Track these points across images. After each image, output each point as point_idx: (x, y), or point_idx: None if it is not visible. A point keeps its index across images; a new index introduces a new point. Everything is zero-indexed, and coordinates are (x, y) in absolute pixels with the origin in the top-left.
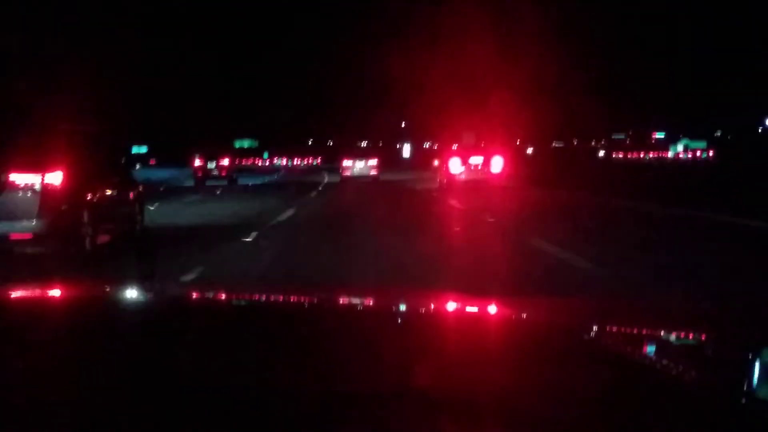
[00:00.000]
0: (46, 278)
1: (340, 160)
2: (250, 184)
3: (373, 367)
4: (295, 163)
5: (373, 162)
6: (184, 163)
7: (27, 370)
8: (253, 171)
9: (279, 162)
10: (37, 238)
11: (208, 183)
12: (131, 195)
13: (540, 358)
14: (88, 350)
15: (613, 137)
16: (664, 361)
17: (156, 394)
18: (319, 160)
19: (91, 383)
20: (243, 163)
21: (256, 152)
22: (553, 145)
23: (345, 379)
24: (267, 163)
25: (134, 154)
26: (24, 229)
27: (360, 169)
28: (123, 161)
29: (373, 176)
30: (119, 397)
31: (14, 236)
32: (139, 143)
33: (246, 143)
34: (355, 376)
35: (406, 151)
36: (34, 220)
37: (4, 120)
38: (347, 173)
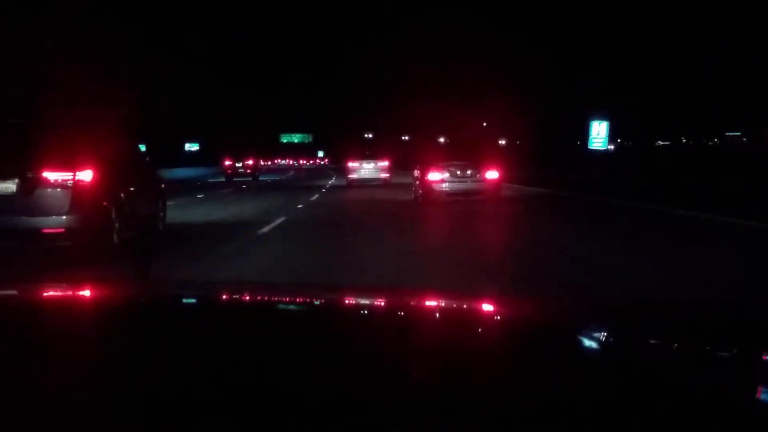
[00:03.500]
0: (75, 271)
1: (346, 162)
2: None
3: (368, 366)
4: (300, 163)
5: (384, 164)
6: (211, 162)
7: (15, 370)
8: (270, 169)
9: (285, 162)
10: (69, 232)
11: (236, 179)
12: (155, 192)
13: (535, 357)
14: (83, 350)
15: (726, 134)
16: (658, 362)
17: (147, 395)
18: (326, 161)
19: (83, 384)
20: (263, 163)
21: (308, 149)
22: (658, 143)
23: (338, 379)
24: (310, 162)
25: (187, 151)
26: (56, 223)
27: (368, 171)
28: (147, 159)
29: (384, 179)
30: (114, 398)
31: (47, 230)
32: (191, 140)
33: (296, 138)
34: (348, 375)
35: None
36: (66, 216)
37: (38, 119)
38: (353, 176)
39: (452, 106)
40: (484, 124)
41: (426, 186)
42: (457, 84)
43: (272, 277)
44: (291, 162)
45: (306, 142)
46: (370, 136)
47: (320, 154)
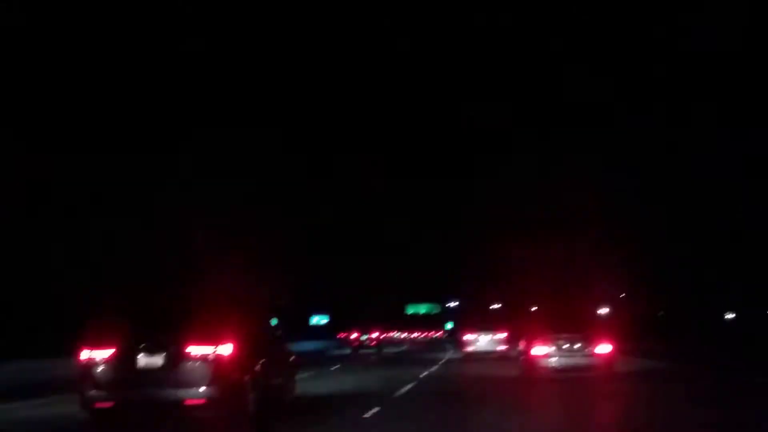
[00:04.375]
0: None
1: (462, 333)
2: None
3: None
4: (413, 336)
5: (501, 336)
6: (332, 335)
7: None
8: (392, 342)
9: (399, 335)
10: (209, 403)
11: (361, 351)
12: (286, 365)
13: None
14: None
15: None
16: None
17: None
18: (440, 333)
19: None
20: (386, 336)
21: (434, 320)
22: None
23: None
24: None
25: (313, 326)
26: (198, 395)
27: (484, 343)
28: (279, 333)
29: (501, 352)
30: None
31: (189, 402)
32: (320, 313)
33: (423, 308)
34: None
35: None
36: (207, 387)
37: (182, 297)
38: (469, 348)
39: (576, 272)
40: (622, 296)
41: (531, 361)
42: (583, 246)
43: None
44: (404, 335)
45: (432, 313)
46: (454, 304)
47: (449, 326)
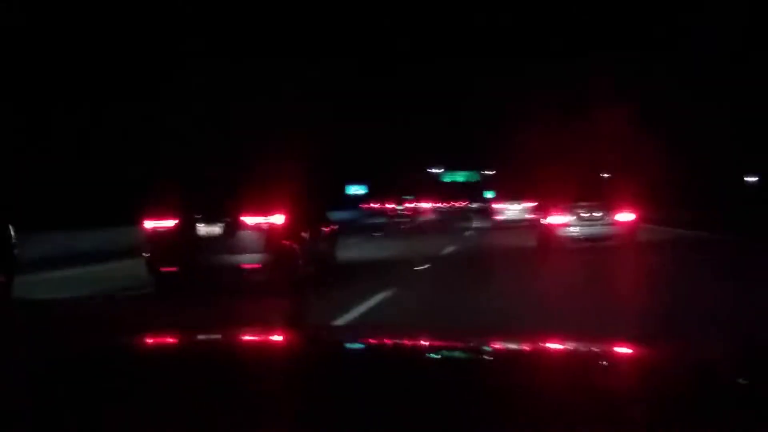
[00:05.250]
0: (265, 300)
1: (491, 203)
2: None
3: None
4: (449, 205)
5: (530, 205)
6: (356, 206)
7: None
8: (427, 211)
9: (435, 205)
10: (263, 268)
11: (396, 220)
12: (328, 233)
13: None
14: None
15: None
16: None
17: None
18: (467, 202)
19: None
20: (419, 205)
21: (473, 189)
22: None
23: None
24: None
25: (352, 195)
26: (253, 260)
27: (514, 213)
28: (321, 203)
29: (531, 220)
30: None
31: (244, 266)
32: (359, 183)
33: (460, 176)
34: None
35: None
36: (261, 254)
37: (237, 172)
38: (499, 217)
39: (588, 131)
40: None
41: (548, 230)
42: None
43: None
44: (439, 205)
45: (472, 181)
46: (490, 172)
47: (489, 195)
